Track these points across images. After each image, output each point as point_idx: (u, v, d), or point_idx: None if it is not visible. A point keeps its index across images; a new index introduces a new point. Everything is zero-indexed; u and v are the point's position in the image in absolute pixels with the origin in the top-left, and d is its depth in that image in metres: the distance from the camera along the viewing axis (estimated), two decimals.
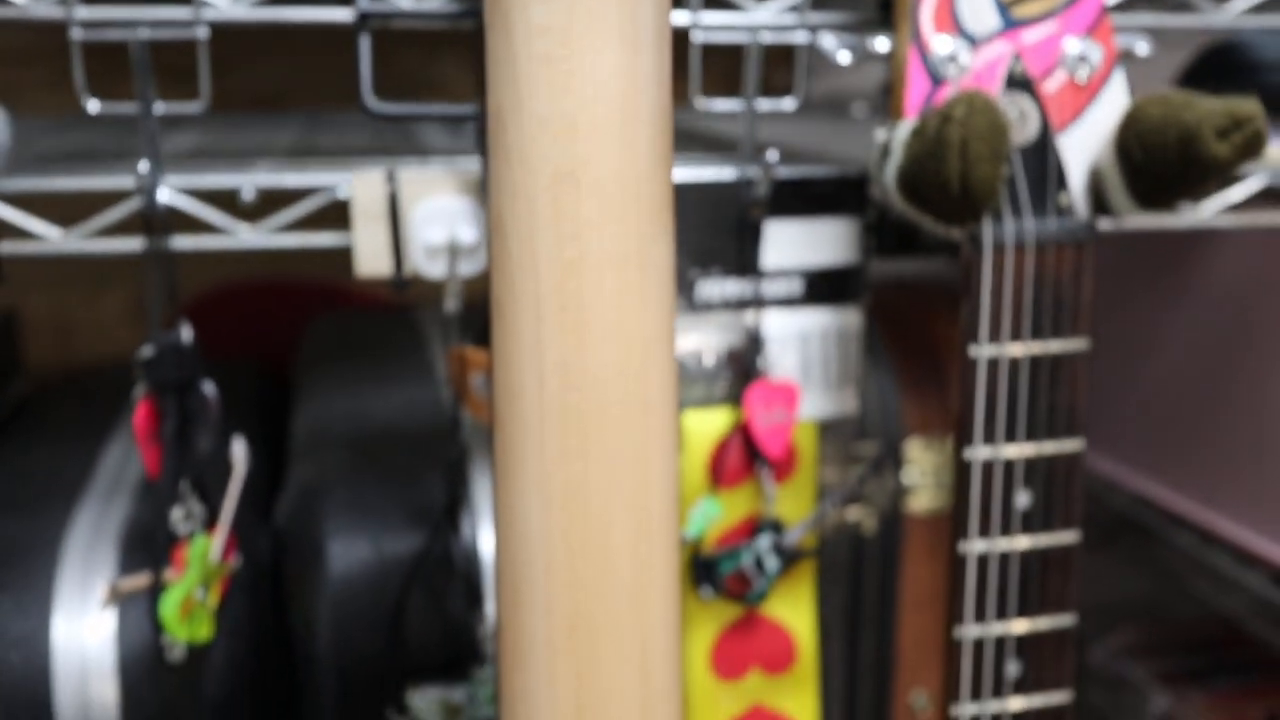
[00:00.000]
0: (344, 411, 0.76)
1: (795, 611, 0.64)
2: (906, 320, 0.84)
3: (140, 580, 0.55)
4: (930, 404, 1.05)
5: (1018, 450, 0.55)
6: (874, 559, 0.82)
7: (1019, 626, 0.56)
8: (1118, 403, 1.01)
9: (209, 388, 0.56)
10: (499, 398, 0.39)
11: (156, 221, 0.56)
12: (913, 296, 0.87)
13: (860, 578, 0.80)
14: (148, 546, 0.59)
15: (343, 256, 0.58)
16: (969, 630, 0.56)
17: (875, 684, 0.85)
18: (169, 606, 0.55)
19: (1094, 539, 0.61)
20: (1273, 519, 0.87)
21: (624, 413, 0.39)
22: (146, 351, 0.55)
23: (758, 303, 0.61)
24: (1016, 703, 0.57)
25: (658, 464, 0.40)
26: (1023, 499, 0.56)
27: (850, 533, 0.76)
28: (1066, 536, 0.56)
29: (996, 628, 0.56)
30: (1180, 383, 0.96)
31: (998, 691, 0.57)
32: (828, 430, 0.68)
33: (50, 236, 0.56)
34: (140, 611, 0.59)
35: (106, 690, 0.58)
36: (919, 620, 1.02)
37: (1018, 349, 0.54)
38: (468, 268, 0.58)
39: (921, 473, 0.98)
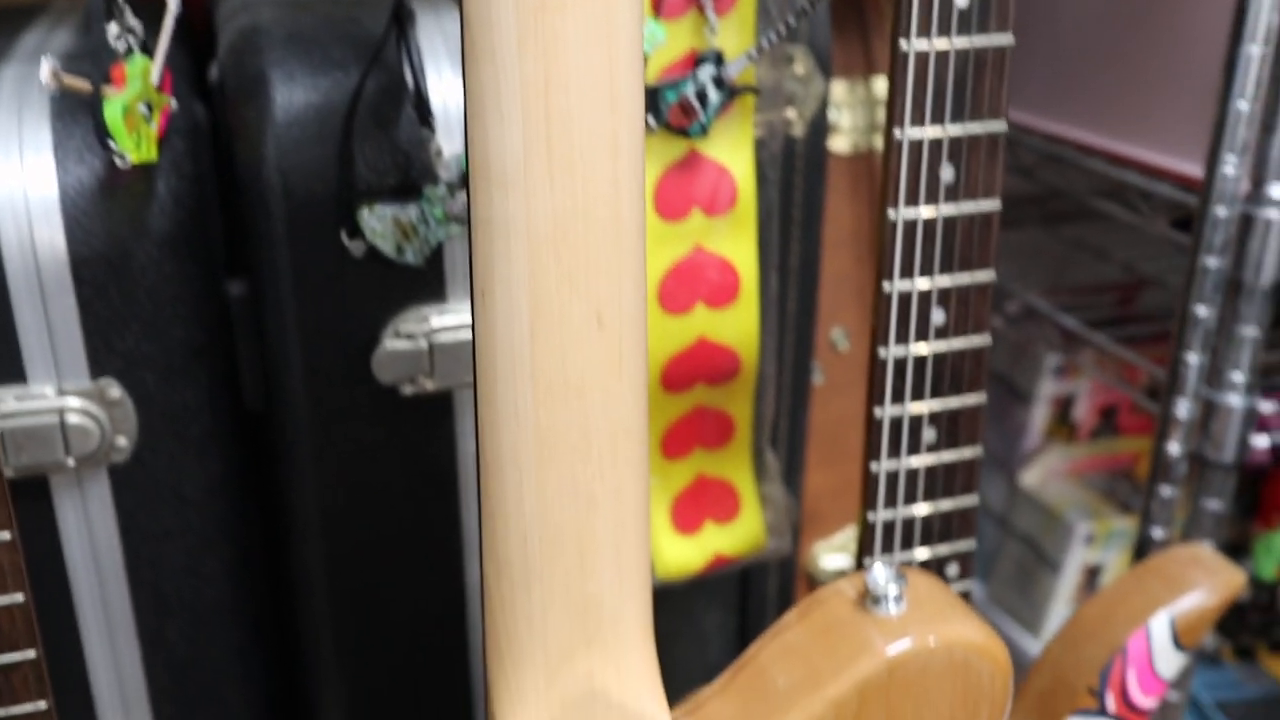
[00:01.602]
0: None
1: (735, 153, 0.65)
2: None
3: (81, 81, 0.54)
4: (854, 48, 1.06)
5: (941, 131, 0.57)
6: (800, 172, 0.84)
7: (943, 281, 0.59)
8: (1029, 53, 1.03)
9: None
10: None
11: None
12: None
13: (790, 185, 0.82)
14: (86, 61, 0.58)
15: None
16: (897, 285, 0.59)
17: (799, 324, 0.88)
18: (113, 111, 0.54)
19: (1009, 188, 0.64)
20: (1180, 138, 0.91)
21: None
22: None
23: None
24: (940, 345, 0.60)
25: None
26: (948, 173, 0.58)
27: (782, 131, 0.78)
28: (987, 205, 0.59)
29: (922, 283, 0.59)
30: (1085, 27, 0.99)
31: (922, 336, 0.60)
32: None
33: None
34: (80, 149, 0.58)
35: (53, 231, 0.58)
36: (839, 259, 1.06)
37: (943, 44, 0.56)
38: None
39: (845, 115, 0.99)
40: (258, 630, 0.69)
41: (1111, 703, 0.74)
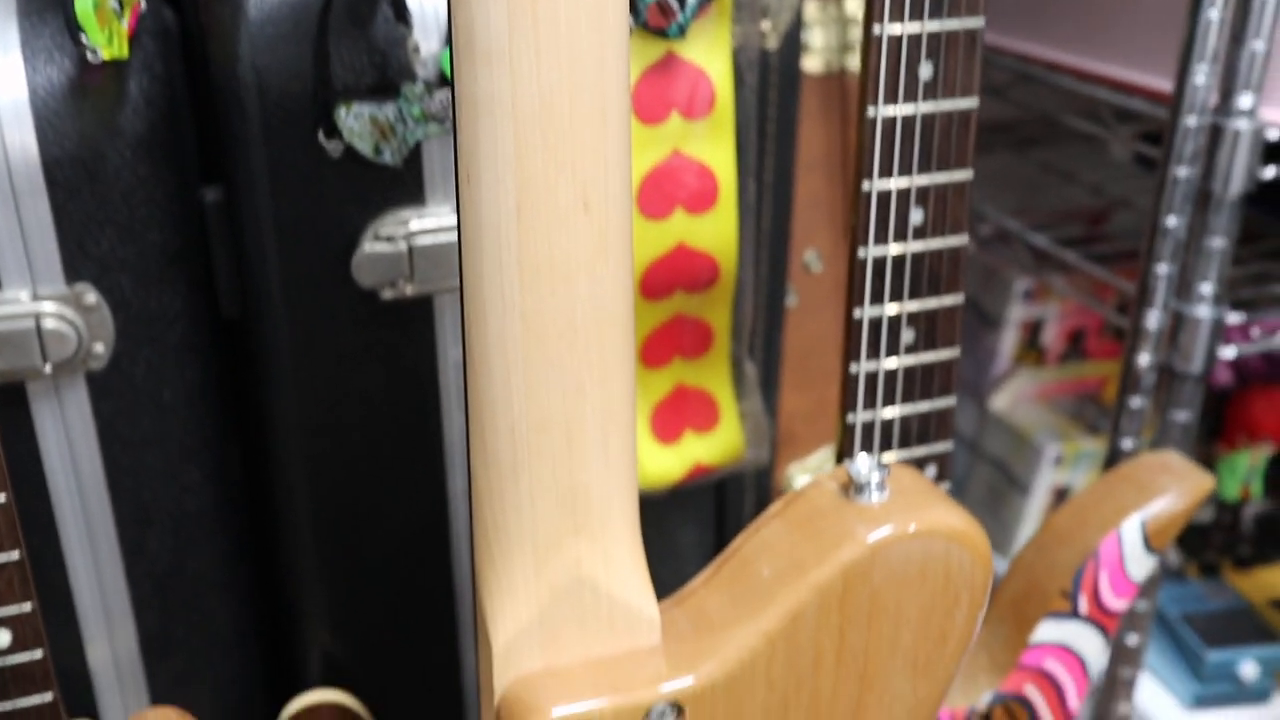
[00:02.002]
0: None
1: (712, 57, 0.65)
2: None
3: None
4: None
5: (920, 27, 0.57)
6: (774, 86, 0.84)
7: (921, 180, 0.59)
8: None
9: None
10: None
11: None
12: None
13: (765, 100, 0.82)
14: None
15: None
16: (876, 184, 0.59)
17: (774, 242, 0.88)
18: (84, 4, 0.53)
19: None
20: (1149, 54, 0.91)
21: None
22: None
23: None
24: (918, 245, 0.61)
25: None
26: (926, 70, 0.58)
27: (757, 44, 0.78)
28: (965, 103, 0.59)
29: (900, 182, 0.59)
30: None
31: (901, 236, 0.60)
32: None
33: None
34: (50, 49, 0.57)
35: (24, 132, 0.57)
36: (812, 181, 1.06)
37: None
38: None
39: (817, 34, 0.99)
40: (240, 540, 0.69)
41: (1084, 605, 0.75)
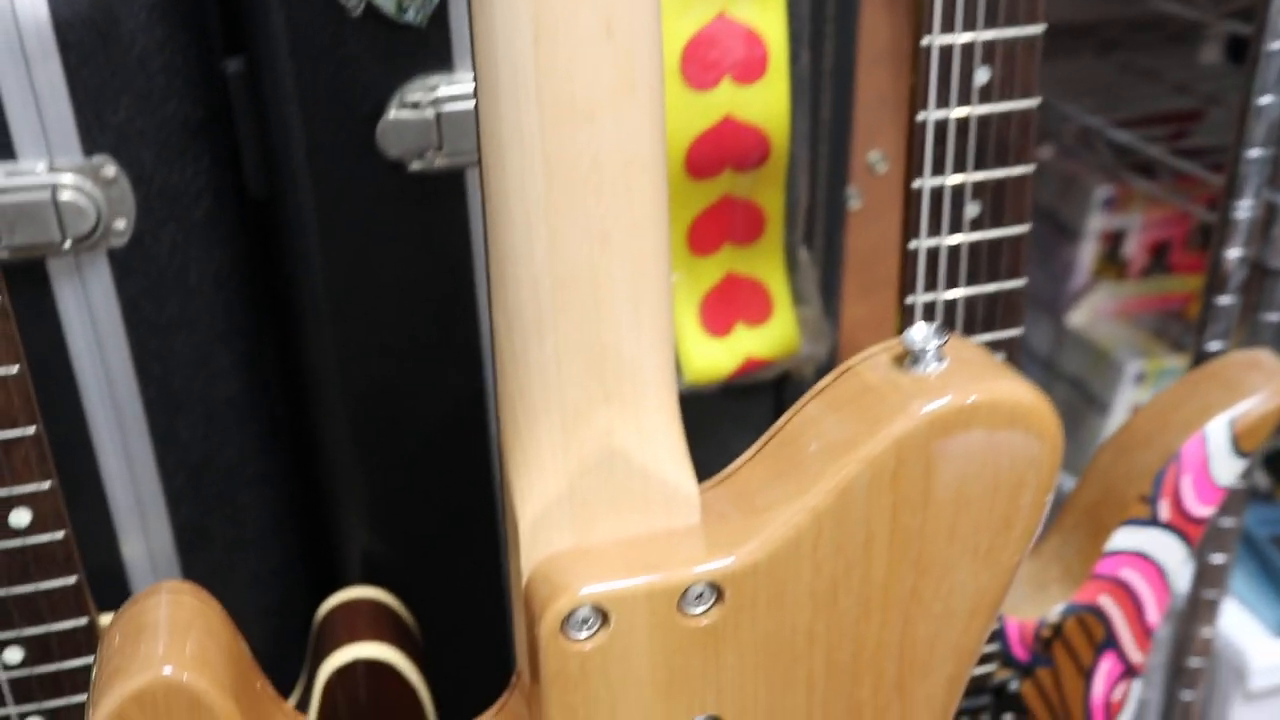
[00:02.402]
0: None
1: None
2: None
3: None
4: None
5: None
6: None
7: (987, 35, 0.54)
8: None
9: None
10: None
11: None
12: None
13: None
14: None
15: None
16: (938, 39, 0.54)
17: (834, 145, 0.84)
18: None
19: None
20: None
21: None
22: None
23: None
24: (985, 108, 0.56)
25: None
26: None
27: None
28: None
29: (966, 37, 0.54)
30: None
31: (966, 99, 0.56)
32: None
33: None
34: None
35: None
36: (876, 78, 1.01)
37: None
38: None
39: None
40: (274, 430, 0.67)
41: (1165, 510, 0.71)
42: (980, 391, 0.47)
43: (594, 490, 0.46)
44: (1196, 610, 0.94)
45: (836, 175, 0.82)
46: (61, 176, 0.56)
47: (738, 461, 0.50)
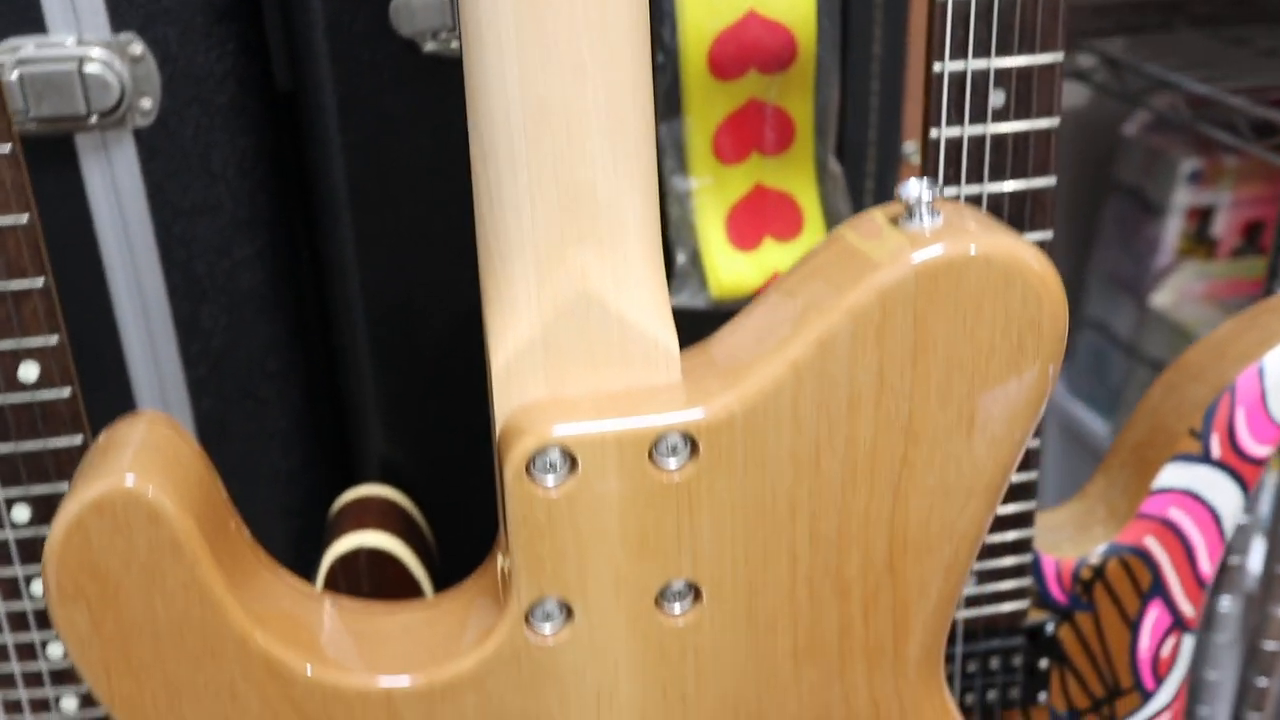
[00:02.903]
0: None
1: None
2: None
3: None
4: None
5: None
6: None
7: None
8: None
9: None
10: None
11: None
12: None
13: None
14: None
15: None
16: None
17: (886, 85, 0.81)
18: None
19: None
20: None
21: None
22: None
23: None
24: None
25: None
26: None
27: None
28: None
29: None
30: None
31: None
32: None
33: None
34: None
35: None
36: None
37: None
38: None
39: None
40: (295, 325, 0.67)
41: (1217, 446, 0.67)
42: (975, 244, 0.45)
43: (568, 335, 0.45)
44: (1272, 588, 0.88)
45: (891, 82, 0.77)
46: (89, 50, 0.58)
47: (724, 327, 0.49)
